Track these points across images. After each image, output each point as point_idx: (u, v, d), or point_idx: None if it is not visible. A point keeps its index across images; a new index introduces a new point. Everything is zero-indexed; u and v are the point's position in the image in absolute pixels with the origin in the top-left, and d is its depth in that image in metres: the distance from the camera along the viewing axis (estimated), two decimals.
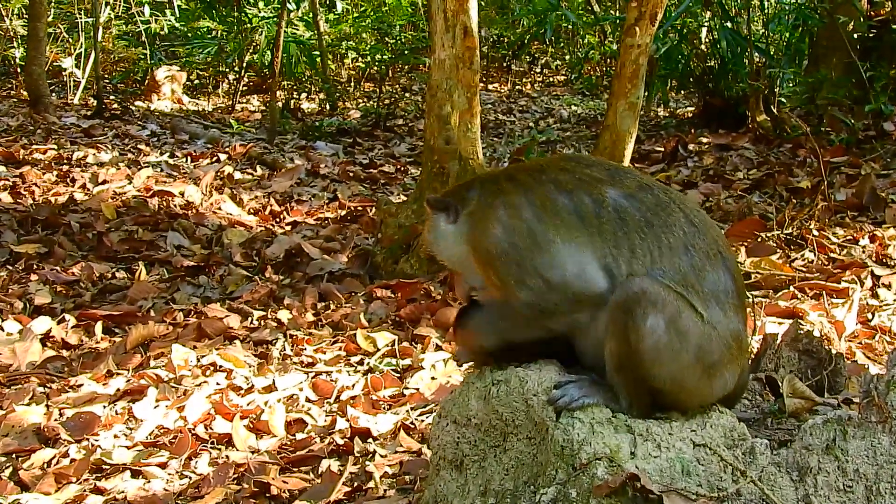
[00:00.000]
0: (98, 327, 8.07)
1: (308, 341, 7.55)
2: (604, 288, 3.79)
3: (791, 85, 15.68)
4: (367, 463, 5.67)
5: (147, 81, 20.44)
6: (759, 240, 8.63)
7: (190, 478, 5.76)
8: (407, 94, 20.75)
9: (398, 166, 14.78)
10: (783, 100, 15.29)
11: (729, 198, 11.22)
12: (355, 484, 5.48)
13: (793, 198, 10.56)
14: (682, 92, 18.12)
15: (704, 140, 14.31)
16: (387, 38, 20.74)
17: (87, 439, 6.19)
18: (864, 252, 8.61)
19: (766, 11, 17.63)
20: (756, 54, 14.98)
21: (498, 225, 3.99)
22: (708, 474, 3.73)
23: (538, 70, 24.53)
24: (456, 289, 4.36)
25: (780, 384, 4.60)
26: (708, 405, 3.95)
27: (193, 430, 6.25)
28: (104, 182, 12.67)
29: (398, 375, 6.88)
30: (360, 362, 7.18)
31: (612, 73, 21.26)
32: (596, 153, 9.88)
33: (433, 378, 6.64)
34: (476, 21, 8.92)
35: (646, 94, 15.45)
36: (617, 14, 19.92)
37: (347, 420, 6.20)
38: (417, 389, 6.52)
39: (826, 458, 3.81)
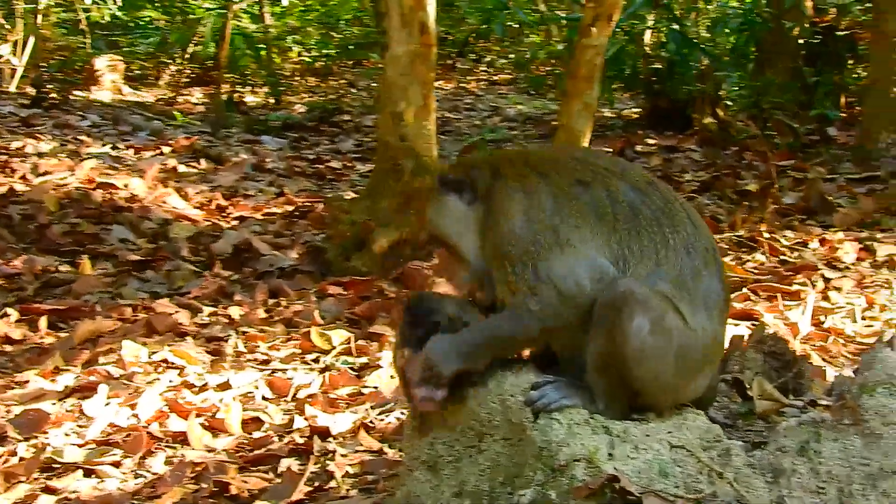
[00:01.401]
0: (42, 322, 7.91)
1: (261, 338, 7.46)
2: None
3: (737, 88, 15.78)
4: (328, 462, 5.59)
5: (86, 71, 20.10)
6: None
7: (145, 477, 5.64)
8: (352, 90, 20.61)
9: (345, 162, 14.69)
10: (729, 103, 15.40)
11: None
12: (316, 483, 5.40)
13: (742, 200, 10.61)
14: (629, 93, 18.17)
15: (651, 142, 14.37)
16: (332, 33, 20.61)
17: (37, 437, 6.05)
18: (814, 255, 8.68)
19: (711, 15, 17.74)
20: (703, 57, 15.06)
21: (519, 217, 3.93)
22: (685, 476, 3.72)
23: (483, 68, 24.49)
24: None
25: (748, 386, 4.61)
26: (680, 405, 3.96)
27: (147, 428, 6.12)
28: (45, 173, 12.40)
29: (355, 374, 6.80)
30: (316, 360, 7.11)
31: (558, 73, 21.37)
32: None
33: (392, 377, 6.55)
34: (434, 18, 8.86)
35: None
36: (563, 14, 19.92)
37: (306, 419, 6.12)
38: (376, 388, 6.44)
39: (800, 460, 3.82)
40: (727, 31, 16.48)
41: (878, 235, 9.15)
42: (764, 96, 14.64)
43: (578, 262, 3.82)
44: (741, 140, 13.74)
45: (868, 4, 15.17)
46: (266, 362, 7.08)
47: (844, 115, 14.57)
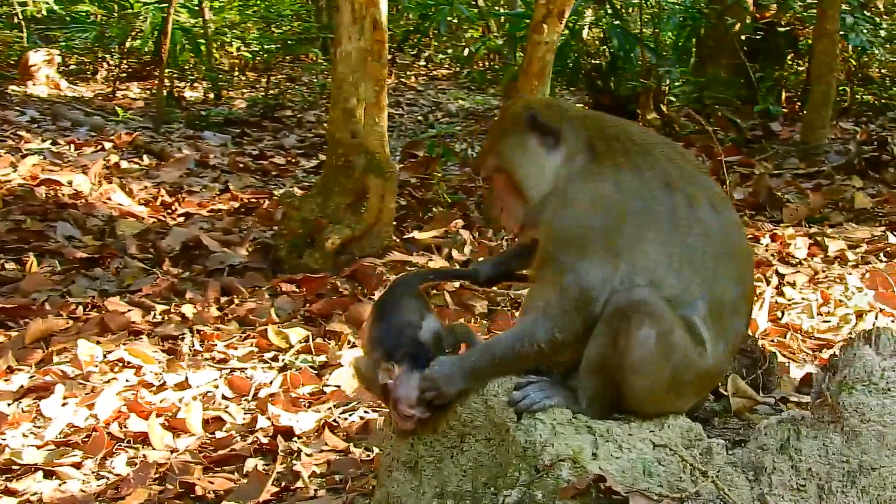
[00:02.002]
0: None
1: (217, 336, 7.40)
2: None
3: (679, 84, 15.92)
4: (294, 462, 5.57)
5: (21, 65, 19.77)
6: None
7: (107, 478, 5.59)
8: (293, 85, 20.49)
9: (289, 158, 14.58)
10: (672, 98, 15.52)
11: None
12: (283, 484, 5.38)
13: None
14: (572, 89, 18.26)
15: None
16: (273, 28, 20.47)
17: None
18: (766, 251, 8.78)
19: (653, 9, 17.84)
20: (645, 53, 15.16)
21: (594, 202, 3.91)
22: (668, 474, 3.74)
23: (422, 63, 24.47)
24: (505, 210, 4.22)
25: (721, 384, 4.65)
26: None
27: (107, 428, 6.06)
28: None
29: (316, 372, 6.77)
30: (275, 358, 7.07)
31: (497, 69, 21.40)
32: None
33: (353, 377, 6.54)
34: (386, 14, 8.84)
35: None
36: (503, 9, 19.96)
37: (268, 418, 6.09)
38: (339, 387, 6.42)
39: (780, 458, 3.85)
40: (668, 27, 16.60)
41: (828, 230, 9.27)
42: (705, 92, 14.78)
43: (615, 275, 3.81)
44: (685, 136, 13.84)
45: (809, 0, 15.38)
46: (224, 361, 7.03)
47: (786, 110, 14.75)
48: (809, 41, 15.66)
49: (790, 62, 15.90)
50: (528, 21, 15.54)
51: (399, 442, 4.14)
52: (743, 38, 14.96)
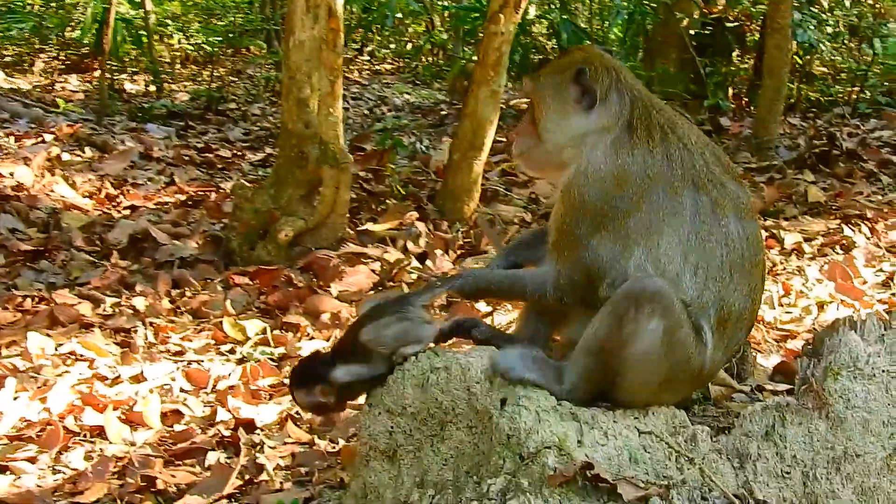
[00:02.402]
0: None
1: (171, 329, 7.25)
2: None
3: None
4: (258, 455, 5.44)
5: None
6: None
7: (64, 473, 5.45)
8: (237, 78, 20.24)
9: (235, 151, 14.39)
10: None
11: None
12: (247, 477, 5.26)
13: None
14: (518, 83, 18.16)
15: None
16: (216, 20, 20.22)
17: None
18: None
19: (601, 3, 17.88)
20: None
21: (619, 180, 3.88)
22: (654, 462, 3.69)
23: (366, 58, 24.30)
24: (519, 138, 4.26)
25: None
26: None
27: (62, 422, 5.89)
28: None
29: (275, 364, 6.65)
30: (232, 351, 6.94)
31: (441, 63, 21.32)
32: (456, 141, 9.82)
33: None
34: (341, 2, 8.70)
35: None
36: (448, 3, 19.89)
37: (229, 410, 5.96)
38: None
39: (765, 445, 3.82)
40: (617, 22, 16.59)
41: (784, 224, 9.28)
42: (655, 87, 14.76)
43: (626, 258, 3.82)
44: None
45: None
46: (180, 353, 6.89)
47: (734, 105, 14.80)
48: (757, 37, 15.76)
49: (737, 58, 15.94)
50: (475, 14, 15.57)
51: (377, 431, 4.03)
52: (692, 32, 14.96)
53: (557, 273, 3.92)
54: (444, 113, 16.89)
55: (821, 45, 15.34)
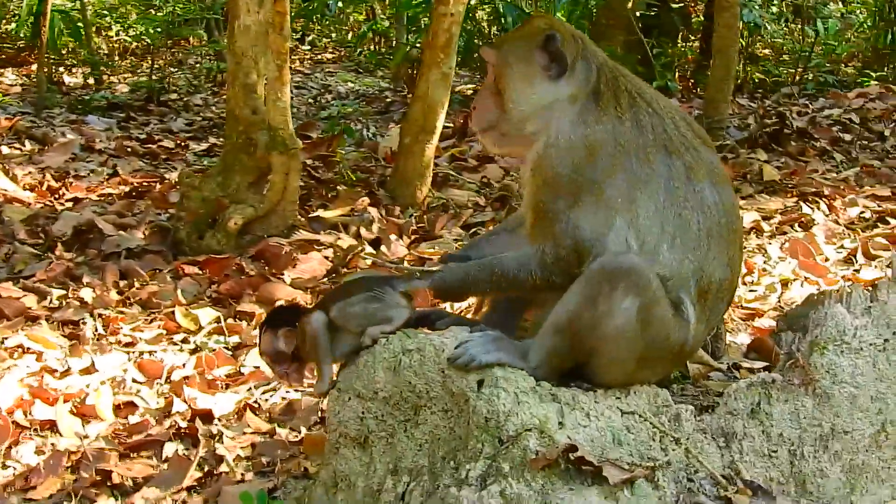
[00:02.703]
0: None
1: (122, 320, 7.05)
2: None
3: None
4: (217, 446, 5.29)
5: None
6: None
7: (15, 468, 5.26)
8: (177, 69, 19.93)
9: (178, 141, 14.15)
10: None
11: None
12: (206, 468, 5.10)
13: None
14: (465, 68, 18.05)
15: None
16: (154, 11, 19.89)
17: None
18: None
19: None
20: None
21: (590, 148, 3.77)
22: (638, 443, 3.57)
23: (306, 48, 24.06)
24: (479, 111, 4.14)
25: None
26: None
27: (11, 416, 5.70)
28: None
29: (230, 353, 6.48)
30: (185, 341, 6.77)
31: (384, 51, 21.15)
32: (407, 125, 9.68)
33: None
34: None
35: None
36: None
37: (185, 401, 5.78)
38: (257, 368, 6.13)
39: (751, 423, 3.72)
40: (562, 2, 16.48)
41: (741, 202, 9.22)
42: None
43: (609, 228, 3.69)
44: None
45: None
46: (131, 344, 6.71)
47: (681, 86, 14.79)
48: (702, 18, 15.76)
49: (683, 39, 15.95)
50: (419, 0, 15.44)
51: (347, 417, 3.89)
52: (638, 14, 14.93)
53: (542, 253, 3.78)
54: (389, 100, 16.74)
55: (766, 25, 15.36)
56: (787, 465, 3.68)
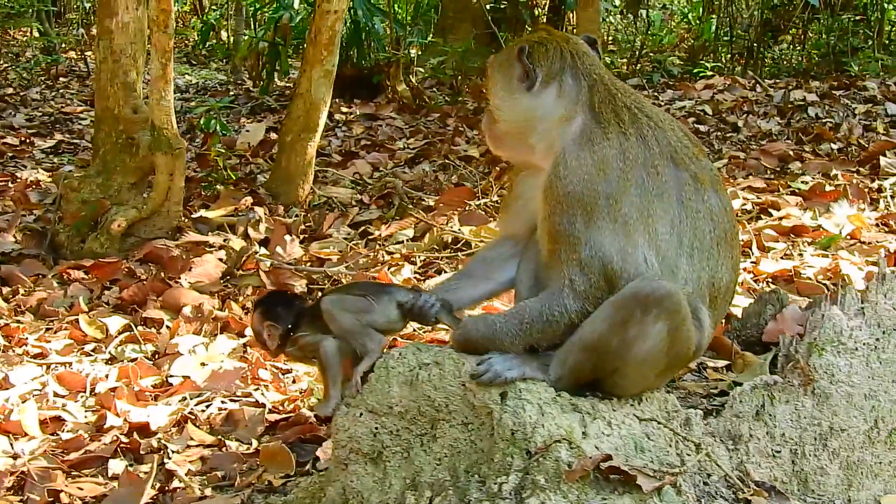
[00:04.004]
0: None
1: (23, 330, 6.81)
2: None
3: (419, 54, 15.90)
4: (166, 461, 5.15)
5: None
6: (468, 209, 8.66)
7: None
8: (7, 63, 19.16)
9: (22, 138, 13.64)
10: (420, 70, 15.49)
11: (396, 167, 11.21)
12: (158, 485, 4.97)
13: (467, 166, 10.69)
14: None
15: (346, 109, 14.22)
16: None
17: None
18: None
19: None
20: (386, 24, 15.10)
21: (599, 166, 3.75)
22: (657, 449, 3.62)
23: None
24: (484, 119, 4.21)
25: None
26: None
27: None
28: None
29: (151, 363, 6.32)
30: (96, 350, 6.57)
31: (217, 44, 20.79)
32: (288, 122, 9.61)
33: (203, 364, 6.15)
34: None
35: (278, 67, 15.23)
36: None
37: (118, 414, 5.61)
38: (188, 377, 6.00)
39: (756, 425, 3.83)
40: None
41: None
42: (445, 64, 14.84)
43: (632, 246, 3.69)
44: (438, 107, 13.86)
45: None
46: (41, 356, 6.48)
47: None
48: (546, 11, 16.05)
49: (529, 31, 16.18)
50: None
51: (359, 433, 3.85)
52: (488, 7, 15.11)
53: (571, 282, 3.71)
54: (233, 93, 16.47)
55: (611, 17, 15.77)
56: (790, 464, 3.81)
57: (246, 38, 17.29)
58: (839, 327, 4.01)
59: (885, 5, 15.86)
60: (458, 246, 7.78)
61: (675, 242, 3.75)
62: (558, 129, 3.89)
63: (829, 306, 4.15)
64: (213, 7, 21.72)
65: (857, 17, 15.95)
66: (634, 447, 3.59)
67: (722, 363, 4.76)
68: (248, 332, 6.53)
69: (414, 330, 6.14)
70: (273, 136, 12.58)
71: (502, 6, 15.19)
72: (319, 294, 4.52)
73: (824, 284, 6.36)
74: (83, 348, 6.60)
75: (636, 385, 3.76)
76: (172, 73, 8.42)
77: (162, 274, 7.78)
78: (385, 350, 4.11)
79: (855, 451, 3.90)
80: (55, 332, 6.84)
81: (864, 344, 4.00)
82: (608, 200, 3.71)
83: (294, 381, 5.96)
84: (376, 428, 3.83)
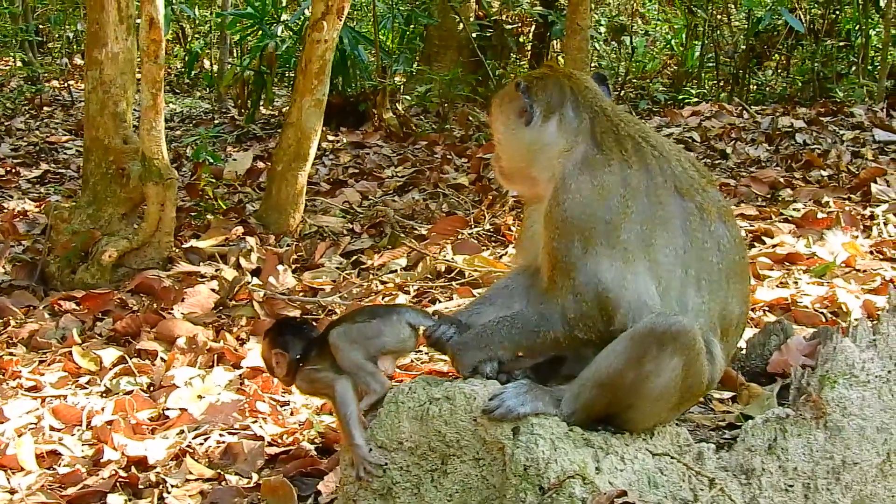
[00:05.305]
0: None
1: (17, 362, 6.75)
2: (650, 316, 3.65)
3: (406, 82, 15.92)
4: (165, 495, 5.10)
5: None
6: (461, 237, 8.63)
7: None
8: None
9: (7, 168, 13.59)
10: (407, 97, 15.50)
11: (386, 195, 11.19)
12: None
13: (458, 195, 10.67)
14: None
15: (332, 138, 14.20)
16: None
17: None
18: None
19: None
20: (373, 52, 15.11)
21: (599, 193, 3.74)
22: (671, 484, 3.60)
23: None
24: (494, 156, 4.25)
25: None
26: None
27: None
28: None
29: (147, 395, 6.27)
30: (91, 382, 6.52)
31: (199, 72, 20.79)
32: (279, 151, 9.59)
33: (200, 396, 6.09)
34: (163, 12, 8.28)
35: (264, 95, 15.23)
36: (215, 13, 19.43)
37: (115, 448, 5.55)
38: (185, 410, 5.95)
39: (769, 459, 3.79)
40: (392, 25, 16.57)
41: None
42: (431, 91, 14.87)
43: (631, 276, 3.67)
44: (425, 134, 13.85)
45: None
46: (35, 388, 6.42)
47: None
48: (531, 38, 16.09)
49: (515, 59, 16.25)
50: (250, 21, 15.29)
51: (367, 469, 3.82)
52: (475, 35, 15.14)
53: (563, 308, 3.71)
54: (218, 122, 16.44)
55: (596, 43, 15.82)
56: (803, 498, 3.77)
57: (230, 66, 17.28)
58: (851, 360, 3.99)
59: (870, 31, 15.92)
60: (452, 275, 7.73)
61: (679, 273, 3.73)
62: (560, 159, 3.90)
63: (841, 338, 4.12)
64: (196, 36, 21.68)
65: (842, 44, 16.03)
66: (648, 482, 3.57)
67: (727, 394, 4.73)
68: (245, 363, 6.51)
69: (411, 360, 6.13)
70: (260, 164, 12.57)
71: (488, 34, 15.22)
72: (326, 323, 4.42)
73: (822, 313, 6.36)
74: (77, 381, 6.55)
75: (649, 420, 3.74)
76: (163, 104, 8.40)
77: (154, 305, 7.74)
78: (393, 384, 4.07)
79: (868, 485, 3.87)
80: (49, 365, 6.79)
81: (876, 376, 3.98)
82: (607, 227, 3.70)
83: (292, 414, 5.90)
84: (386, 464, 3.79)
